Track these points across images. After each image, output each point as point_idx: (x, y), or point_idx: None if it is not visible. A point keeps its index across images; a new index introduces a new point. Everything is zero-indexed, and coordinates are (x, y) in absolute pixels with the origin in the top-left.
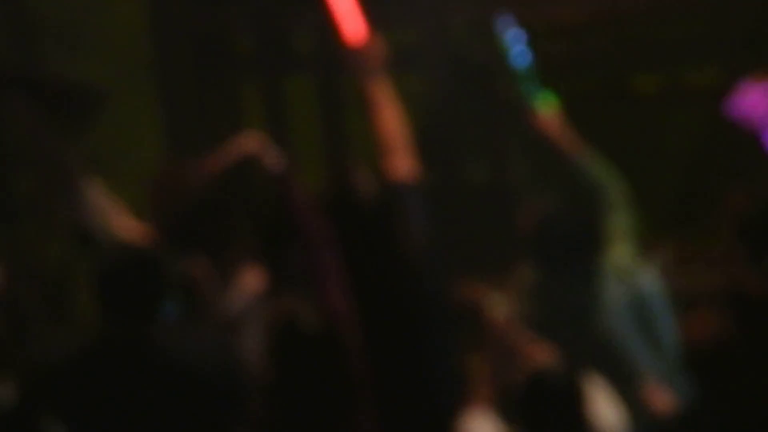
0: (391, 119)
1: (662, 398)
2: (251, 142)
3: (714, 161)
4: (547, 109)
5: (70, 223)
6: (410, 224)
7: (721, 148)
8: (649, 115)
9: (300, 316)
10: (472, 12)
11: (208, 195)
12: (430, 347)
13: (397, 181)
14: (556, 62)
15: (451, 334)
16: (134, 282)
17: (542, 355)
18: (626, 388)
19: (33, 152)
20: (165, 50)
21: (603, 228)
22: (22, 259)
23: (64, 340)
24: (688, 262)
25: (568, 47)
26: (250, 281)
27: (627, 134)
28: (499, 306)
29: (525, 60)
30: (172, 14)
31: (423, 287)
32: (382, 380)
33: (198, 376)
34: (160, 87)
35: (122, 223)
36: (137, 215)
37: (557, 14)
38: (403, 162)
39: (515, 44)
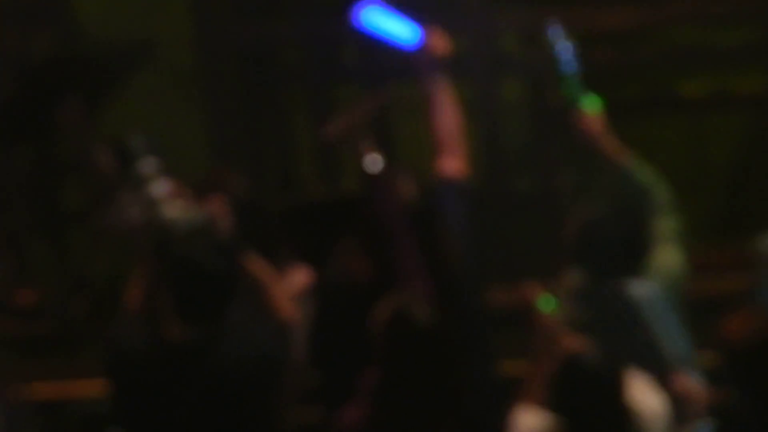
0: (448, 118)
1: (693, 386)
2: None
3: (760, 167)
4: (592, 113)
5: (115, 231)
6: (452, 223)
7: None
8: (695, 121)
9: (413, 309)
10: (522, 19)
11: None
12: (466, 349)
13: (445, 180)
14: (603, 69)
15: (489, 337)
16: (211, 284)
17: (580, 345)
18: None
19: (80, 159)
20: (211, 60)
21: (648, 232)
22: (71, 270)
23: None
24: (731, 265)
25: (615, 54)
26: (298, 280)
27: (673, 140)
28: (548, 304)
29: (572, 67)
30: (218, 25)
31: (462, 291)
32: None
33: (253, 375)
34: (205, 96)
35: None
36: None
37: (604, 21)
38: (455, 162)
39: (564, 51)
